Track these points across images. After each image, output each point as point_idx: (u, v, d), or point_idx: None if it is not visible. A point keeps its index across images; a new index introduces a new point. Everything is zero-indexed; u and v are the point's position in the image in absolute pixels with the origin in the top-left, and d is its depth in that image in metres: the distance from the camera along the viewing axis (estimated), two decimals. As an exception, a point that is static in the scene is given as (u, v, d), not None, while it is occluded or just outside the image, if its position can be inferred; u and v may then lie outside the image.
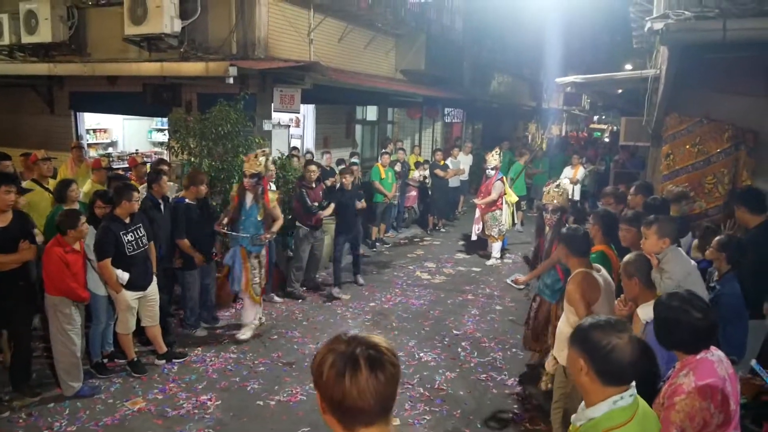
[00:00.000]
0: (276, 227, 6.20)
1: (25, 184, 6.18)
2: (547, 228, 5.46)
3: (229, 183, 7.04)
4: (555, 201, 5.34)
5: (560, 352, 3.86)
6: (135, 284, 5.20)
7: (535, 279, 5.53)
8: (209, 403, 4.91)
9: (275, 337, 6.35)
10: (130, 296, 5.20)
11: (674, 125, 6.59)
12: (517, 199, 10.09)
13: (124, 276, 5.11)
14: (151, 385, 5.19)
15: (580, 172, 11.58)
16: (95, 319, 5.31)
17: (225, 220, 6.08)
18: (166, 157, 7.80)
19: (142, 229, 5.28)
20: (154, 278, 5.46)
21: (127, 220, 5.16)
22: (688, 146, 6.49)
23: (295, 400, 5.00)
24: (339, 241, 7.91)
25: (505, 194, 9.33)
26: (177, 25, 8.28)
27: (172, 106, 8.20)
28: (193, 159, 7.02)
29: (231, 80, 7.28)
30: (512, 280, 5.78)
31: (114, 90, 9.61)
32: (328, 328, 6.63)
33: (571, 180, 11.41)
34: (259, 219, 5.97)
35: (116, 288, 5.09)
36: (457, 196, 13.25)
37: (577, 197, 11.59)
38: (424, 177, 11.61)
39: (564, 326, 3.88)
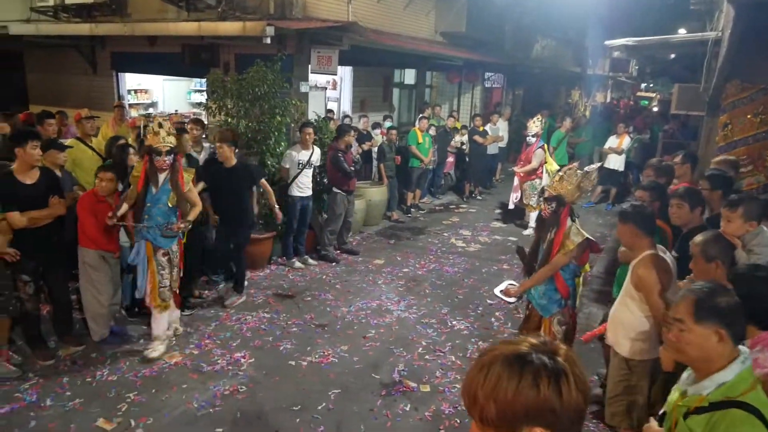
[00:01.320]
0: (193, 215, 5.03)
1: (68, 141, 6.32)
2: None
3: (265, 144, 7.03)
4: (553, 187, 4.09)
5: (622, 344, 3.56)
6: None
7: None
8: (243, 360, 5.00)
9: (308, 298, 6.40)
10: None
11: (735, 93, 6.20)
12: (558, 168, 9.84)
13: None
14: (188, 341, 5.31)
15: (626, 141, 11.18)
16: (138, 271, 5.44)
17: (122, 209, 4.85)
18: (204, 117, 7.81)
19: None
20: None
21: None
22: (749, 116, 6.11)
23: (326, 361, 5.05)
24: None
25: (546, 163, 9.10)
26: (215, -16, 8.23)
27: (210, 67, 8.18)
28: (230, 120, 7.02)
29: (268, 40, 7.21)
30: (502, 292, 4.41)
31: (153, 50, 9.65)
32: (361, 292, 6.65)
33: (616, 150, 11.05)
34: (170, 206, 4.84)
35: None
36: (495, 163, 13.01)
37: (621, 168, 11.24)
38: (462, 143, 11.42)
39: (628, 316, 3.52)
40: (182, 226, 4.90)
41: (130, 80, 11.53)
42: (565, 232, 3.95)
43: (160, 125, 4.68)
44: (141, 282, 4.91)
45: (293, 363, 5.01)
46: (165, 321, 5.07)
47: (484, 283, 7.07)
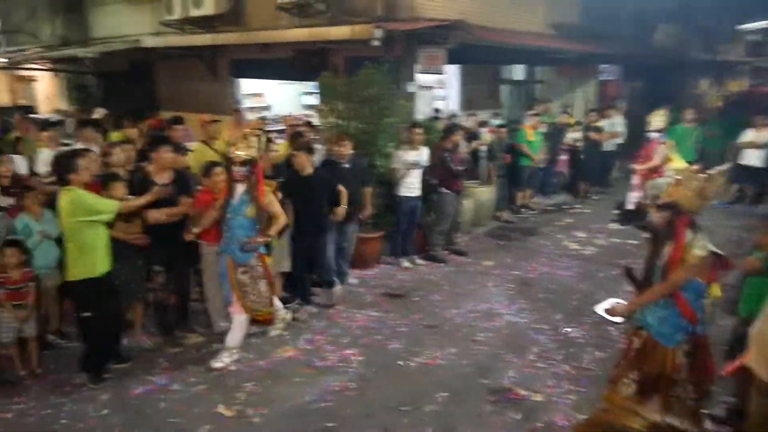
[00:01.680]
0: (275, 228, 4.90)
1: (193, 145, 6.79)
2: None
3: (374, 145, 7.12)
4: (669, 193, 3.51)
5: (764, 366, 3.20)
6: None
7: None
8: (353, 357, 5.09)
9: (417, 299, 6.40)
10: None
11: None
12: (684, 165, 9.12)
13: None
14: (300, 336, 5.49)
15: (766, 135, 10.13)
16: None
17: (207, 219, 4.86)
18: (315, 119, 8.05)
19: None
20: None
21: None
22: None
23: (434, 363, 5.02)
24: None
25: (670, 160, 8.48)
26: (325, -11, 8.46)
27: (320, 71, 8.41)
28: (340, 121, 7.18)
29: (376, 43, 7.30)
30: (606, 311, 3.86)
31: (267, 56, 10.09)
32: (470, 293, 6.55)
33: (754, 144, 10.08)
34: (248, 218, 4.74)
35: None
36: (612, 161, 12.32)
37: (760, 164, 10.22)
38: (575, 140, 10.94)
39: None
40: (260, 240, 4.74)
41: (247, 85, 12.14)
42: (685, 246, 3.37)
43: (245, 137, 4.71)
44: (226, 293, 4.97)
45: (401, 363, 5.02)
46: (242, 333, 5.01)
47: (599, 288, 6.70)
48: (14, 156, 6.30)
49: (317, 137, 7.28)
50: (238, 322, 4.94)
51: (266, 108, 13.00)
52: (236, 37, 9.64)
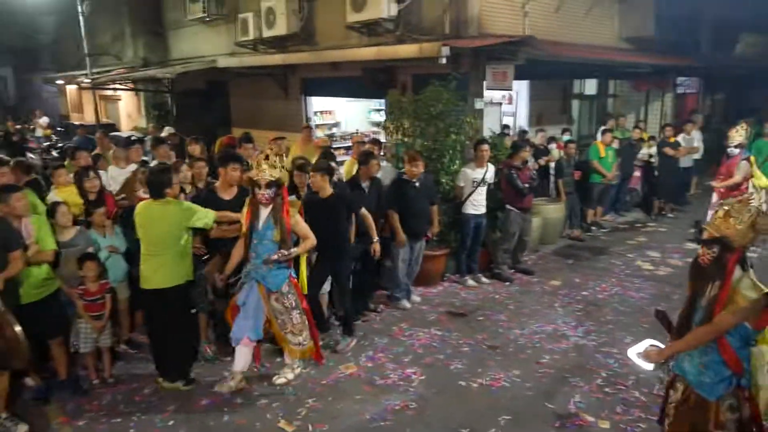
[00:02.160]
0: (303, 248, 4.74)
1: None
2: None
3: (440, 162, 7.11)
4: (715, 226, 3.07)
5: None
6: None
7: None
8: (414, 377, 5.06)
9: (481, 318, 6.30)
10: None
11: None
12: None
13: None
14: (362, 353, 5.51)
15: None
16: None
17: (230, 262, 4.73)
18: (382, 137, 8.14)
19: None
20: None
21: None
22: None
23: (497, 385, 4.91)
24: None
25: (753, 177, 8.02)
26: (393, 9, 8.59)
27: (388, 88, 8.52)
28: (406, 139, 7.22)
29: (444, 60, 7.32)
30: (641, 355, 3.42)
31: (337, 75, 10.32)
32: (536, 314, 6.38)
33: None
34: (275, 242, 4.55)
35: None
36: (689, 177, 11.78)
37: None
38: (650, 156, 10.52)
39: None
40: (284, 252, 4.51)
41: (317, 103, 12.44)
42: (733, 285, 2.94)
43: (267, 158, 4.51)
44: (244, 323, 4.67)
45: (463, 383, 4.95)
46: (248, 358, 4.86)
47: (674, 311, 6.34)
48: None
49: (383, 154, 7.37)
50: (242, 348, 4.77)
51: (335, 125, 13.26)
52: (307, 56, 9.92)
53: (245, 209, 4.62)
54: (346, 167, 7.52)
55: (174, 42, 15.89)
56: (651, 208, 10.84)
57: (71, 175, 5.89)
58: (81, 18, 16.67)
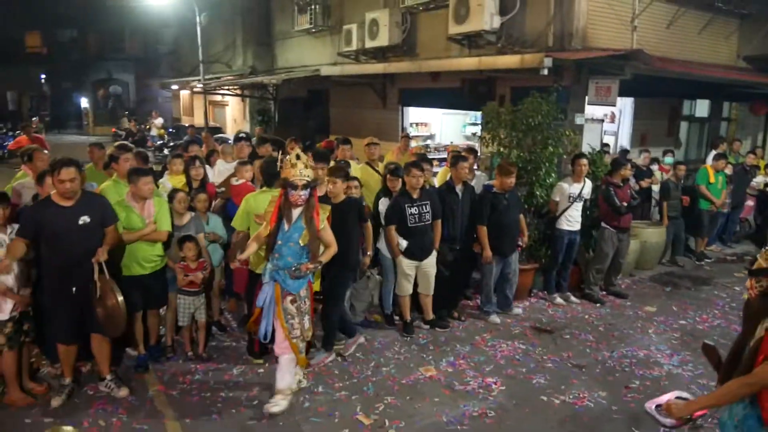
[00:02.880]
0: (326, 256, 4.44)
1: (359, 167, 7.20)
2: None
3: (535, 174, 6.97)
4: (764, 256, 2.69)
5: None
6: (412, 253, 5.81)
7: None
8: (494, 386, 4.96)
9: (567, 336, 6.08)
10: (406, 263, 5.85)
11: None
12: None
13: (402, 243, 5.79)
14: (442, 358, 5.48)
15: None
16: (384, 277, 6.12)
17: (249, 250, 4.37)
18: (477, 147, 8.11)
19: (428, 206, 5.80)
20: (434, 252, 5.94)
21: (415, 196, 5.74)
22: None
23: (581, 403, 4.72)
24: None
25: None
26: (496, 22, 8.58)
27: (486, 100, 8.49)
28: (502, 149, 7.15)
29: (545, 71, 7.21)
30: (659, 408, 2.89)
31: (436, 86, 10.41)
32: (627, 338, 6.08)
33: None
34: (301, 245, 4.29)
35: (396, 252, 5.81)
36: (812, 210, 10.82)
37: None
38: (765, 184, 9.79)
39: None
40: (311, 267, 4.28)
41: (413, 114, 12.59)
42: None
43: (298, 157, 4.24)
44: (264, 327, 4.38)
45: (545, 398, 4.79)
46: (291, 374, 4.57)
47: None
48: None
49: (476, 167, 7.33)
50: (285, 363, 4.46)
51: (430, 137, 13.36)
52: (408, 65, 10.09)
53: (271, 208, 4.34)
54: (440, 176, 7.54)
55: (280, 52, 16.67)
56: (763, 241, 10.03)
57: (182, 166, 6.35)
58: (198, 29, 17.90)
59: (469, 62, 8.58)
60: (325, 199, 5.09)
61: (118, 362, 5.08)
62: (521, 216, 6.49)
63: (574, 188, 6.79)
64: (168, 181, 6.12)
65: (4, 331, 4.33)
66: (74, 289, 4.28)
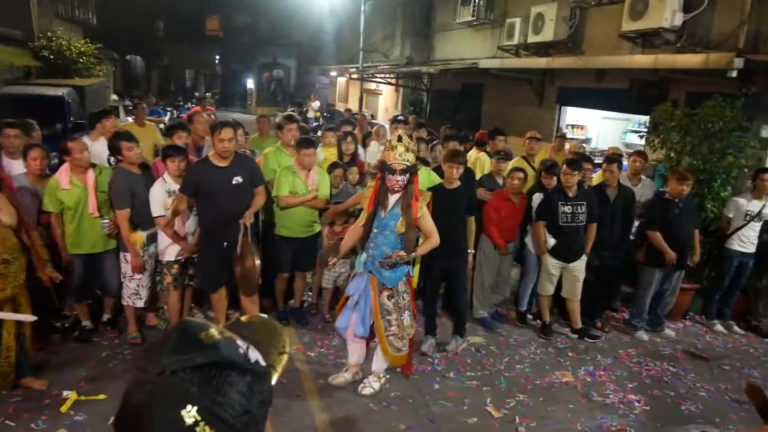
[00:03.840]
0: (423, 248, 4.10)
1: (515, 160, 7.02)
2: None
3: (708, 186, 6.33)
4: None
5: None
6: (558, 253, 5.55)
7: None
8: (636, 404, 4.58)
9: (727, 368, 5.46)
10: (551, 262, 5.60)
11: None
12: None
13: (550, 241, 5.56)
14: (581, 366, 5.17)
15: None
16: (526, 273, 5.97)
17: (345, 244, 4.18)
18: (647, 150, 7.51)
19: (583, 207, 5.48)
20: (584, 257, 5.60)
21: (571, 194, 5.46)
22: None
23: (740, 441, 4.22)
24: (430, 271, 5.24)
25: None
26: (678, 19, 7.87)
27: (656, 104, 7.85)
28: (672, 155, 6.58)
29: (734, 74, 6.51)
30: None
31: (599, 86, 9.84)
32: (803, 380, 5.34)
33: None
34: (397, 233, 3.99)
35: (541, 250, 5.59)
36: None
37: None
38: None
39: None
40: (403, 255, 3.94)
41: (570, 116, 12.03)
42: None
43: (400, 139, 3.94)
44: (359, 320, 4.14)
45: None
46: (360, 353, 4.44)
47: None
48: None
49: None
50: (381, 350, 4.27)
51: (586, 141, 12.71)
52: (573, 61, 9.63)
53: (368, 192, 4.12)
54: (596, 179, 7.11)
55: (438, 44, 16.71)
56: None
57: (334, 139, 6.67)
58: (362, 17, 18.50)
59: (642, 60, 7.98)
60: (440, 186, 5.04)
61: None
62: (696, 231, 5.93)
63: (754, 205, 6.07)
64: (321, 152, 6.37)
65: (171, 272, 4.75)
66: (225, 243, 4.60)
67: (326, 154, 6.37)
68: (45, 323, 4.72)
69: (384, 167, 3.94)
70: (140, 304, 4.84)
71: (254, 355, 0.85)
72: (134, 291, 4.75)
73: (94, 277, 4.85)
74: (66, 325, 4.95)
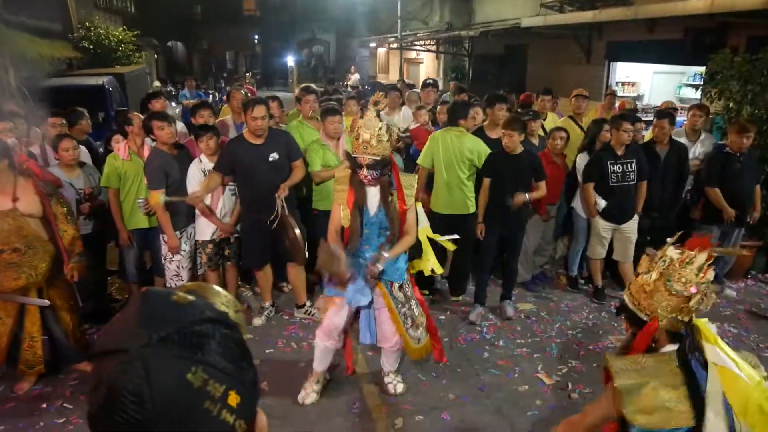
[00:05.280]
0: (400, 248, 3.53)
1: (561, 120, 6.75)
2: None
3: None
4: None
5: None
6: (610, 214, 5.31)
7: None
8: (698, 369, 4.38)
9: (794, 327, 5.18)
10: (602, 224, 5.38)
11: None
12: None
13: (601, 203, 5.31)
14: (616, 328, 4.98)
15: None
16: (575, 237, 5.74)
17: (338, 258, 3.38)
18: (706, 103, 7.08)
19: (633, 165, 5.20)
20: (635, 217, 5.35)
21: (620, 152, 5.18)
22: None
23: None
24: (487, 238, 4.97)
25: None
26: (737, -43, 7.31)
27: (713, 52, 7.38)
28: (731, 105, 6.17)
29: (800, 13, 6.01)
30: None
31: (651, 38, 9.33)
32: None
33: None
34: (388, 232, 3.52)
35: (592, 212, 5.36)
36: None
37: None
38: None
39: None
40: (387, 256, 3.44)
41: (620, 72, 11.50)
42: None
43: (378, 114, 3.37)
44: (366, 325, 3.77)
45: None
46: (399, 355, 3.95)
47: None
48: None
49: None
50: (392, 353, 3.88)
51: (638, 98, 12.13)
52: (621, 12, 9.13)
53: (344, 186, 3.54)
54: (648, 136, 6.77)
55: (478, 6, 16.22)
56: None
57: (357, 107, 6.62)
58: (399, -16, 18.11)
59: (698, 5, 7.46)
60: (501, 151, 4.82)
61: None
62: (757, 186, 5.56)
63: (821, 155, 5.66)
64: (344, 121, 6.27)
65: (206, 251, 4.77)
66: (266, 221, 4.51)
67: (348, 122, 6.28)
68: (104, 309, 4.88)
69: (349, 159, 3.47)
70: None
71: (224, 308, 0.83)
72: (175, 273, 4.75)
73: (149, 256, 4.95)
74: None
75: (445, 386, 4.06)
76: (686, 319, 1.95)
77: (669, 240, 2.08)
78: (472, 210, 5.06)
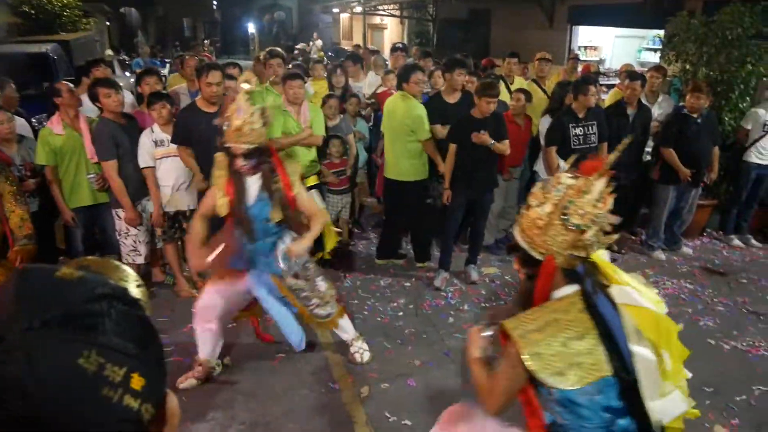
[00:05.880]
0: (315, 232, 3.35)
1: (526, 84, 6.79)
2: None
3: (725, 97, 6.08)
4: None
5: None
6: None
7: None
8: (653, 323, 4.57)
9: (744, 281, 5.40)
10: None
11: None
12: None
13: (563, 165, 5.31)
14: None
15: None
16: None
17: (216, 252, 3.24)
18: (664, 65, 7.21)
19: (594, 127, 5.28)
20: None
21: (581, 115, 5.24)
22: None
23: (755, 352, 4.21)
24: (453, 203, 4.99)
25: None
26: None
27: (671, 15, 7.49)
28: (688, 67, 6.31)
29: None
30: None
31: (612, 2, 9.42)
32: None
33: None
34: (274, 221, 3.29)
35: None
36: None
37: None
38: None
39: None
40: (300, 249, 3.29)
41: (582, 36, 11.60)
42: None
43: (237, 110, 3.07)
44: (282, 318, 3.52)
45: (712, 342, 4.34)
46: (348, 325, 3.89)
47: None
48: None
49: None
50: (339, 326, 3.84)
51: (600, 62, 12.28)
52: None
53: (221, 179, 3.25)
54: (610, 98, 6.88)
55: (443, -31, 16.05)
56: None
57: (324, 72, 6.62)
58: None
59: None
60: (468, 116, 4.76)
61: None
62: (715, 147, 5.72)
63: (773, 115, 5.84)
64: (311, 86, 6.20)
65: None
66: None
67: (317, 87, 6.23)
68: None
69: (224, 149, 3.18)
70: (140, 260, 4.69)
71: (122, 283, 0.77)
72: (132, 248, 4.61)
73: (96, 234, 4.83)
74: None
75: (410, 353, 4.14)
76: (582, 254, 1.76)
77: (563, 164, 2.02)
78: (425, 176, 5.17)
